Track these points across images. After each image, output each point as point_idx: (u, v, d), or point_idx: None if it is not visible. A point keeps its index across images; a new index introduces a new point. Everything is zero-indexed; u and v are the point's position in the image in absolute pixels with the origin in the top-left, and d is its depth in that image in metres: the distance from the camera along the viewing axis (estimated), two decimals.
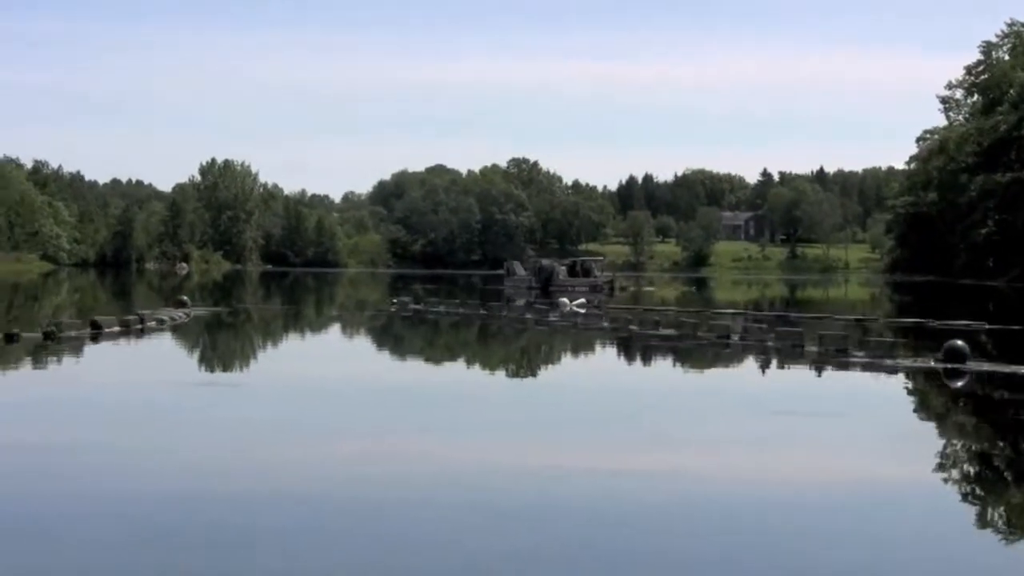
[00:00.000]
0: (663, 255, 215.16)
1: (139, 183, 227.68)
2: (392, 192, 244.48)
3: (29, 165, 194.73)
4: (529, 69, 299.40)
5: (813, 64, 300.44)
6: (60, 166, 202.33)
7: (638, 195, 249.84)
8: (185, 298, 61.66)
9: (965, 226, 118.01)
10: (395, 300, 71.57)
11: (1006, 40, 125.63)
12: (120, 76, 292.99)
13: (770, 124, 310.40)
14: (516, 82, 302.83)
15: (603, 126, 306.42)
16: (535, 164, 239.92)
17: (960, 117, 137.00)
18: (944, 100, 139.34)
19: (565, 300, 67.19)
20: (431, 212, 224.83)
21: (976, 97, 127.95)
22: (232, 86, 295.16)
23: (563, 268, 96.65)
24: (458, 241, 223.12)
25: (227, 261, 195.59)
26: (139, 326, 45.98)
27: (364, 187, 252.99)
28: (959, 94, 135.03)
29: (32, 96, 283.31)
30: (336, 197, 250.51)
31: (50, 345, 39.47)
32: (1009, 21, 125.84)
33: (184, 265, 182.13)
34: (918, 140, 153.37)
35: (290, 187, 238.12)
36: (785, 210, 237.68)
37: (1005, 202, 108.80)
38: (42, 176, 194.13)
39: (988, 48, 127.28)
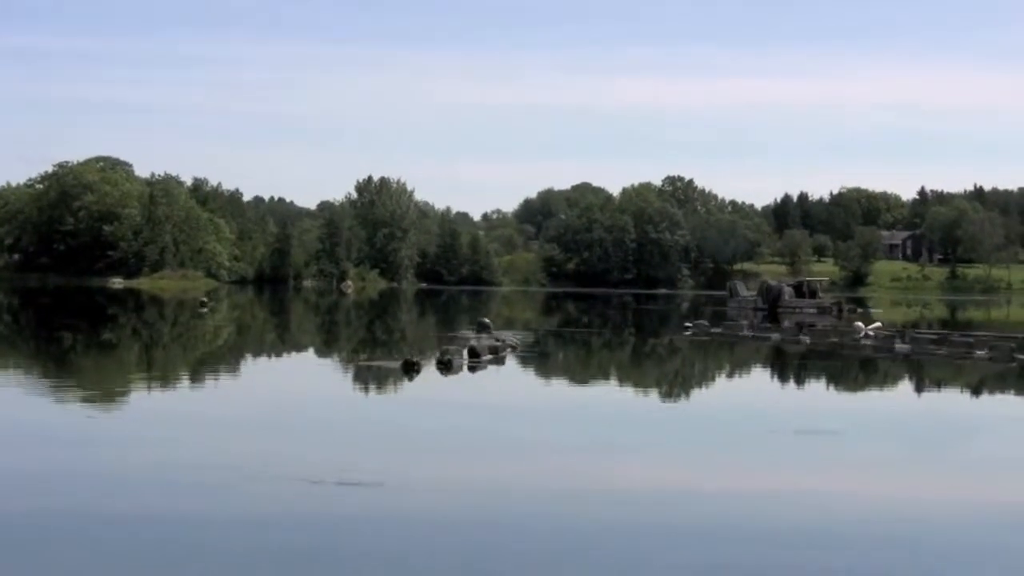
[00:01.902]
0: (820, 274, 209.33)
1: (281, 200, 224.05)
2: (538, 210, 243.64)
3: (189, 182, 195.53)
4: (679, 89, 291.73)
5: (966, 81, 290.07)
6: (220, 183, 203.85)
7: (793, 213, 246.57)
8: (487, 320, 61.36)
9: None
10: (689, 324, 70.51)
11: None
12: (260, 94, 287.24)
13: (924, 142, 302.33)
14: (671, 99, 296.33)
15: (755, 144, 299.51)
16: (690, 182, 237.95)
17: None
18: None
19: (860, 324, 63.83)
20: (585, 231, 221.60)
21: None
22: (374, 106, 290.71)
23: (790, 289, 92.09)
24: (612, 260, 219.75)
25: (383, 279, 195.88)
26: (503, 352, 47.25)
27: (506, 205, 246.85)
28: None
29: (181, 114, 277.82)
30: (476, 215, 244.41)
31: (456, 375, 40.19)
32: None
33: (350, 283, 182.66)
34: None
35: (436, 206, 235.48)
36: (944, 229, 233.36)
37: None
38: (202, 193, 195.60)
39: None
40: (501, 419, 31.66)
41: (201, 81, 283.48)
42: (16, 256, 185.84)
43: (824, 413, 34.31)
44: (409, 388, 36.82)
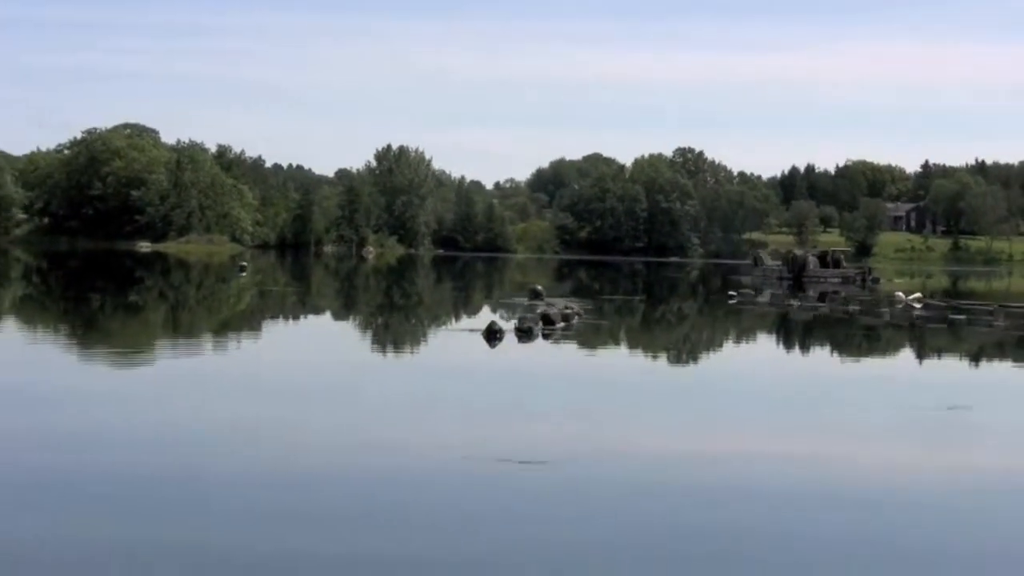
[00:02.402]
0: (827, 245, 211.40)
1: (300, 168, 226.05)
2: (550, 179, 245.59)
3: (213, 149, 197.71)
4: (694, 61, 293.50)
5: (966, 58, 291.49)
6: (243, 150, 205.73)
7: (800, 185, 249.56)
8: (540, 287, 64.07)
9: None
10: (734, 293, 72.76)
11: None
12: (278, 63, 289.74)
13: (928, 117, 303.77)
14: (681, 72, 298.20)
15: (765, 117, 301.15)
16: (700, 154, 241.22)
17: None
18: None
19: (900, 294, 66.67)
20: (597, 200, 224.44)
21: None
22: (389, 74, 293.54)
23: (815, 259, 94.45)
24: (624, 228, 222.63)
25: (401, 245, 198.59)
26: (573, 320, 46.70)
27: (519, 175, 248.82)
28: None
29: (201, 83, 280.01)
30: (488, 184, 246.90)
31: (534, 342, 40.43)
32: None
33: (371, 249, 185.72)
34: None
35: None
36: (948, 202, 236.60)
37: None
38: (226, 160, 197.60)
39: None
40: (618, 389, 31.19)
41: (222, 51, 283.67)
42: (46, 220, 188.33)
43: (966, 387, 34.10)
44: (501, 354, 37.06)
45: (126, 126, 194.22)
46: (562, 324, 44.33)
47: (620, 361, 40.07)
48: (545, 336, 41.79)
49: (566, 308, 47.90)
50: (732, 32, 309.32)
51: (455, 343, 41.57)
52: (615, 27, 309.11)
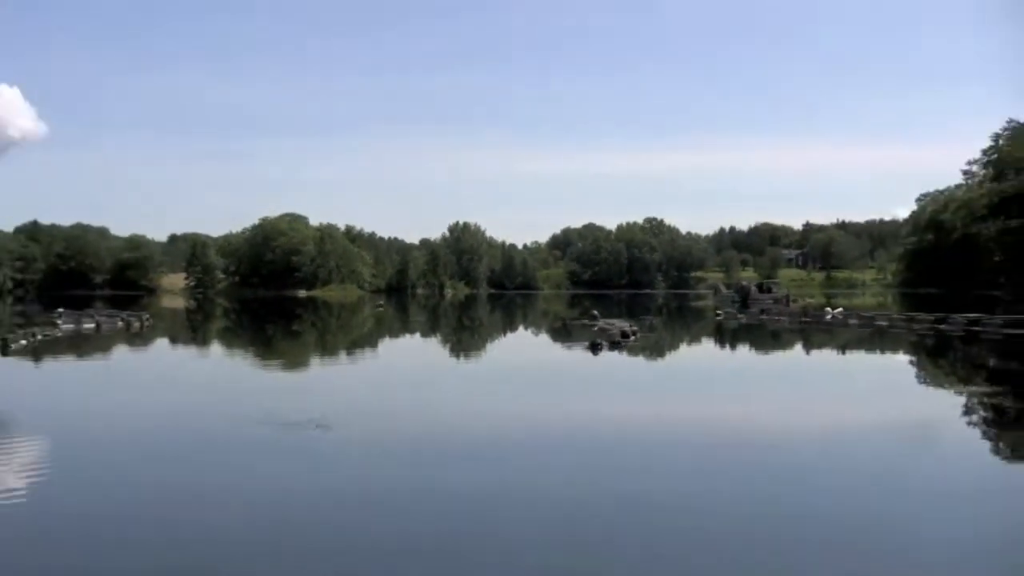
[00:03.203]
0: (746, 278, 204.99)
1: (395, 238, 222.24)
2: (561, 240, 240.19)
3: (343, 227, 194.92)
4: (656, 160, 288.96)
5: (827, 151, 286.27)
6: (362, 227, 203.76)
7: (727, 239, 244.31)
8: (596, 312, 60.07)
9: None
10: (720, 312, 68.79)
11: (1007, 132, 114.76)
12: (385, 168, 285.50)
13: (806, 193, 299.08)
14: (645, 170, 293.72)
15: (700, 195, 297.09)
16: (661, 221, 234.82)
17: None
18: (965, 172, 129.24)
19: (829, 309, 61.74)
20: (594, 253, 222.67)
21: (988, 170, 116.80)
22: (453, 172, 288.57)
23: (755, 287, 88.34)
24: (612, 271, 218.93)
25: (467, 287, 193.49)
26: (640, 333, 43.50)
27: (540, 238, 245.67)
28: (976, 168, 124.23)
29: (330, 184, 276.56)
30: (519, 244, 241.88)
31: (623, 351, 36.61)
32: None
33: (451, 291, 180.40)
34: (917, 199, 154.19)
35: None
36: (822, 248, 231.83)
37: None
38: (352, 234, 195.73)
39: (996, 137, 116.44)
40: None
41: (348, 156, 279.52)
42: (236, 278, 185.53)
43: None
44: (605, 358, 33.44)
45: (287, 215, 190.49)
46: (633, 338, 40.35)
47: (689, 357, 39.43)
48: (621, 346, 37.65)
49: (632, 326, 43.33)
50: (680, 140, 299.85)
51: (567, 353, 37.95)
52: (611, 139, 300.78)
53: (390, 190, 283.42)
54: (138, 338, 47.44)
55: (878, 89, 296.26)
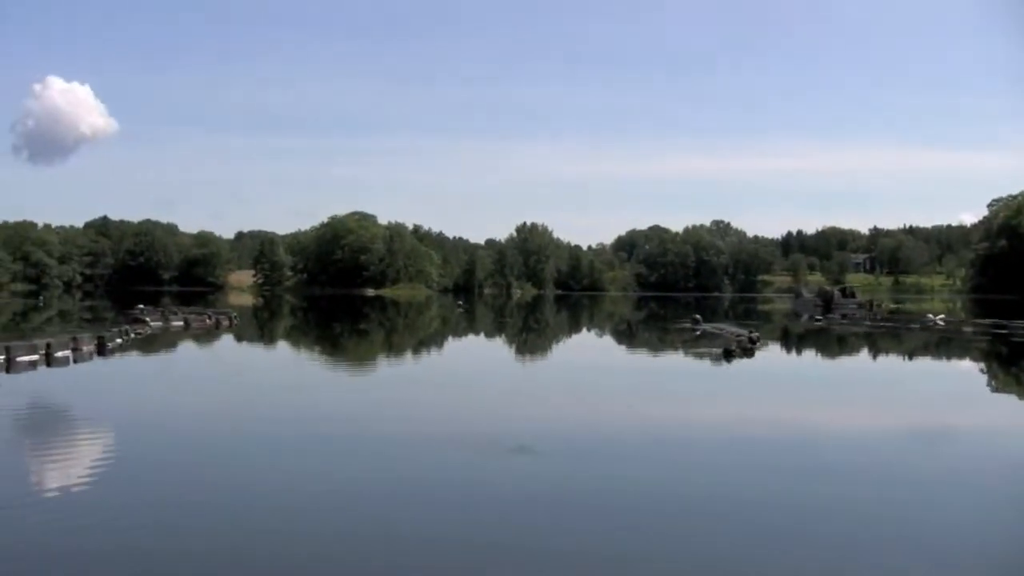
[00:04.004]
0: (813, 282, 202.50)
1: (460, 237, 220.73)
2: (626, 242, 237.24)
3: (410, 226, 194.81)
4: (723, 163, 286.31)
5: (887, 155, 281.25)
6: (430, 227, 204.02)
7: (794, 243, 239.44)
8: (698, 316, 57.85)
9: None
10: (800, 315, 67.40)
11: None
12: (449, 171, 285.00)
13: (875, 196, 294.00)
14: (712, 173, 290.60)
15: (769, 198, 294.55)
16: (728, 224, 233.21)
17: None
18: None
19: (931, 315, 59.08)
20: (661, 256, 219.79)
21: None
22: (519, 175, 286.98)
23: (838, 292, 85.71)
24: (679, 274, 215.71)
25: (534, 288, 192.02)
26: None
27: (605, 240, 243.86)
28: None
29: (399, 184, 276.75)
30: (584, 245, 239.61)
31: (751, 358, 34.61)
32: None
33: (519, 291, 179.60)
34: (989, 205, 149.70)
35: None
36: (890, 253, 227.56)
37: None
38: (420, 234, 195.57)
39: None
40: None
41: (420, 160, 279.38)
42: (304, 275, 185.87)
43: None
44: (739, 364, 32.00)
45: (355, 213, 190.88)
46: (760, 344, 38.16)
47: (819, 360, 39.03)
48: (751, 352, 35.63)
49: (752, 332, 40.33)
50: (748, 143, 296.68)
51: (699, 360, 35.10)
52: (678, 142, 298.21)
53: (456, 191, 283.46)
54: (229, 336, 47.87)
55: (943, 92, 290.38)
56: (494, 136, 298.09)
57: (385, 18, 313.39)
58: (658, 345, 45.30)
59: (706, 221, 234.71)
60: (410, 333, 59.82)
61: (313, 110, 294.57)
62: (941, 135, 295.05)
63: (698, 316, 57.25)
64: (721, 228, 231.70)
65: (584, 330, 65.67)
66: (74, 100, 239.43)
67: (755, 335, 38.81)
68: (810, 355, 42.05)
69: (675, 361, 36.43)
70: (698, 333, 47.16)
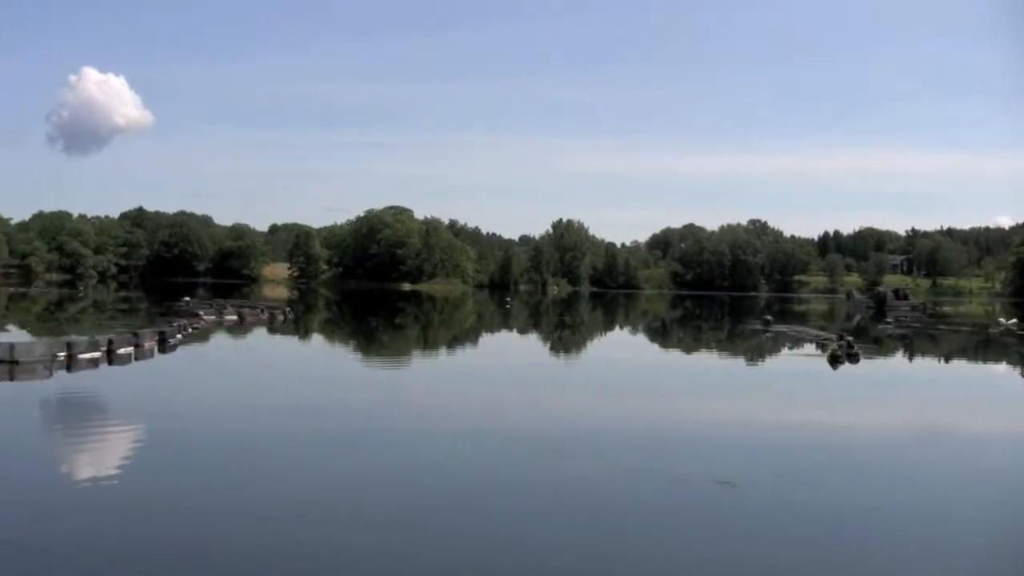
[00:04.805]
0: (850, 283, 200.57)
1: (494, 233, 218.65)
2: (660, 241, 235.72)
3: (446, 221, 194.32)
4: (755, 162, 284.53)
5: (924, 158, 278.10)
6: (466, 223, 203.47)
7: (830, 244, 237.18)
8: (769, 317, 57.91)
9: None
10: (890, 320, 64.70)
11: None
12: (485, 166, 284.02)
13: (911, 198, 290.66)
14: (747, 172, 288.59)
15: (803, 198, 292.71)
16: (765, 223, 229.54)
17: None
18: None
19: (1002, 320, 58.14)
20: (697, 254, 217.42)
21: None
22: (555, 171, 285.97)
23: (891, 293, 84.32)
24: (715, 273, 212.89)
25: (569, 285, 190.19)
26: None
27: (640, 238, 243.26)
28: None
29: (432, 179, 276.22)
30: (618, 243, 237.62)
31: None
32: None
33: (556, 288, 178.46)
34: None
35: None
36: (928, 254, 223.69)
37: None
38: (455, 229, 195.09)
39: None
40: None
41: (447, 158, 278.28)
42: (340, 269, 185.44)
43: None
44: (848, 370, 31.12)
45: (391, 207, 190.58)
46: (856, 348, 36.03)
47: (935, 365, 38.28)
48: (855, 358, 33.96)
49: (844, 335, 38.27)
50: (775, 144, 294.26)
51: (804, 365, 34.73)
52: (712, 140, 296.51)
53: (490, 187, 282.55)
54: (286, 330, 48.20)
55: (978, 95, 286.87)
56: (529, 132, 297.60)
57: (419, 13, 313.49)
58: (747, 348, 44.23)
59: (741, 220, 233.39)
60: (449, 327, 60.15)
61: (348, 105, 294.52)
62: (978, 138, 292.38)
63: (769, 317, 57.13)
64: (757, 227, 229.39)
65: (648, 329, 64.73)
66: (109, 91, 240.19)
67: (849, 338, 37.28)
68: (914, 361, 40.81)
69: (783, 366, 35.91)
70: (770, 334, 46.69)
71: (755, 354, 40.66)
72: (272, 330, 46.88)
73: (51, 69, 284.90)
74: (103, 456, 14.28)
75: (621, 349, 45.52)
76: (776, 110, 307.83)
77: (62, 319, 54.87)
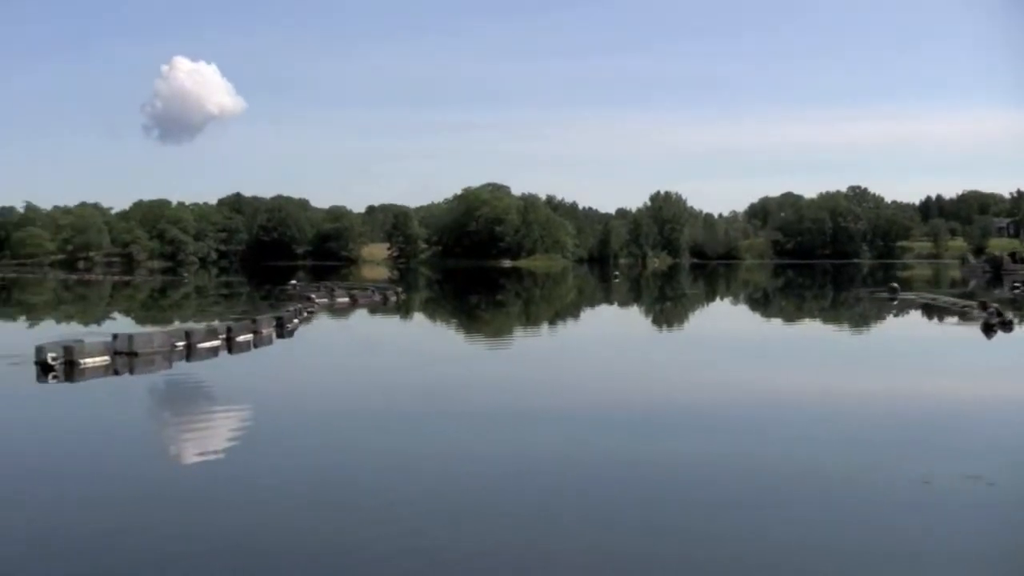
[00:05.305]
0: (954, 248, 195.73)
1: (589, 209, 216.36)
2: (759, 209, 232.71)
3: (544, 197, 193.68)
4: (851, 128, 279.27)
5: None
6: (563, 197, 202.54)
7: (933, 207, 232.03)
8: (895, 284, 56.42)
9: None
10: (1019, 284, 61.62)
11: None
12: (577, 141, 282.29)
13: (1017, 160, 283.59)
14: (844, 138, 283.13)
15: (904, 162, 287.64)
16: (865, 189, 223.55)
17: None
18: None
19: None
20: (797, 223, 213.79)
21: None
22: (649, 146, 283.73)
23: (1008, 257, 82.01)
24: (815, 241, 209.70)
25: (669, 257, 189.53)
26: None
27: (738, 208, 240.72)
28: None
29: (528, 156, 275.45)
30: (715, 214, 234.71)
31: None
32: None
33: (655, 261, 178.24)
34: None
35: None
36: None
37: None
38: (553, 204, 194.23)
39: None
40: None
41: (540, 134, 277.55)
42: (439, 247, 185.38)
43: None
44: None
45: (488, 184, 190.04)
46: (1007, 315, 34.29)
47: None
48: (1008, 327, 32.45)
49: (989, 303, 36.81)
50: (887, 108, 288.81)
51: (955, 335, 32.90)
52: (807, 107, 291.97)
53: (584, 161, 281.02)
54: (398, 311, 48.11)
55: None
56: (623, 106, 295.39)
57: None
58: (881, 318, 42.65)
59: (840, 187, 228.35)
60: (550, 303, 60.04)
61: (440, 84, 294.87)
62: None
63: (895, 284, 55.70)
64: (857, 194, 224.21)
65: (761, 300, 63.65)
66: (201, 80, 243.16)
67: (995, 305, 35.50)
68: None
69: (934, 335, 34.23)
70: (896, 302, 45.66)
71: (898, 325, 39.16)
72: (386, 311, 46.73)
73: (144, 60, 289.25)
74: (230, 446, 13.84)
75: (742, 320, 44.49)
76: (873, 75, 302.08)
77: (166, 306, 55.26)
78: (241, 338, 28.59)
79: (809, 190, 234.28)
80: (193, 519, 10.09)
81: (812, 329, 38.88)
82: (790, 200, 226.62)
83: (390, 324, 41.66)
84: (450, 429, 15.32)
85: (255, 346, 27.97)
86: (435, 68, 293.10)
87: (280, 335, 30.93)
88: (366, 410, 17.61)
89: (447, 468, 12.42)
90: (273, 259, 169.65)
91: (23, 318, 45.51)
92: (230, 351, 26.67)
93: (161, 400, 19.29)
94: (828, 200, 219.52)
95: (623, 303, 60.37)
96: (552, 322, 42.31)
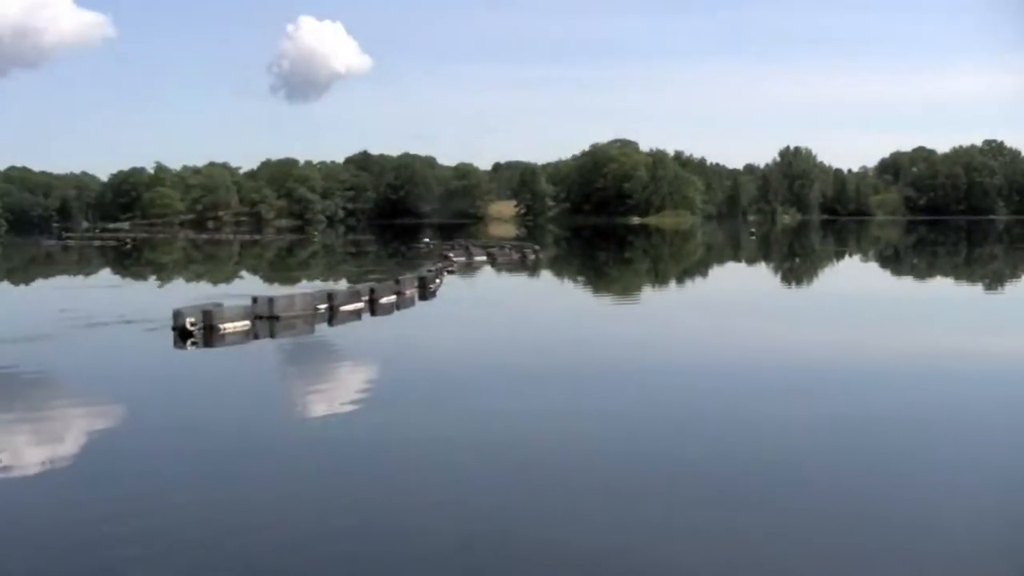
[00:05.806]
0: None
1: (717, 164, 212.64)
2: (891, 164, 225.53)
3: (671, 152, 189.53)
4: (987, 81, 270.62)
5: None
6: (692, 153, 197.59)
7: None
8: None
9: None
10: None
11: None
12: (705, 102, 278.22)
13: None
14: (979, 91, 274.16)
15: None
16: (1002, 143, 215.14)
17: None
18: None
19: None
20: (930, 178, 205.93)
21: None
22: (776, 97, 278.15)
23: None
24: (950, 197, 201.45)
25: (799, 213, 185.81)
26: None
27: (868, 163, 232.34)
28: None
29: (661, 111, 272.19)
30: (844, 169, 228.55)
31: None
32: None
33: (785, 217, 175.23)
34: None
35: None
36: None
37: None
38: (682, 160, 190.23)
39: None
40: None
41: (664, 89, 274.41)
42: (567, 205, 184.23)
43: None
44: None
45: (616, 140, 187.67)
46: None
47: None
48: None
49: None
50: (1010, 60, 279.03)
51: None
52: (945, 59, 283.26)
53: (711, 116, 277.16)
54: (538, 269, 47.73)
55: None
56: (751, 59, 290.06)
57: None
58: None
59: (975, 141, 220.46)
60: (686, 258, 60.04)
61: (566, 40, 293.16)
62: None
63: None
64: (993, 148, 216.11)
65: (908, 259, 61.17)
66: (326, 39, 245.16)
67: None
68: None
69: None
70: None
71: None
72: (525, 269, 46.25)
73: (270, 20, 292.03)
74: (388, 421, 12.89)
75: (901, 283, 42.87)
76: (1001, 24, 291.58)
77: (294, 265, 55.55)
78: (384, 300, 27.77)
79: (942, 145, 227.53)
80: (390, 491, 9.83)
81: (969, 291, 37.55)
82: (922, 154, 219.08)
83: (530, 283, 40.99)
84: (613, 391, 14.91)
85: (398, 308, 27.15)
86: (562, 23, 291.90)
87: (423, 296, 30.20)
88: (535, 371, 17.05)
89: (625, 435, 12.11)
90: (400, 217, 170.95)
91: (154, 278, 45.97)
92: (373, 313, 25.90)
93: (309, 369, 18.51)
94: (962, 154, 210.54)
95: (761, 261, 58.84)
96: (703, 276, 41.38)
